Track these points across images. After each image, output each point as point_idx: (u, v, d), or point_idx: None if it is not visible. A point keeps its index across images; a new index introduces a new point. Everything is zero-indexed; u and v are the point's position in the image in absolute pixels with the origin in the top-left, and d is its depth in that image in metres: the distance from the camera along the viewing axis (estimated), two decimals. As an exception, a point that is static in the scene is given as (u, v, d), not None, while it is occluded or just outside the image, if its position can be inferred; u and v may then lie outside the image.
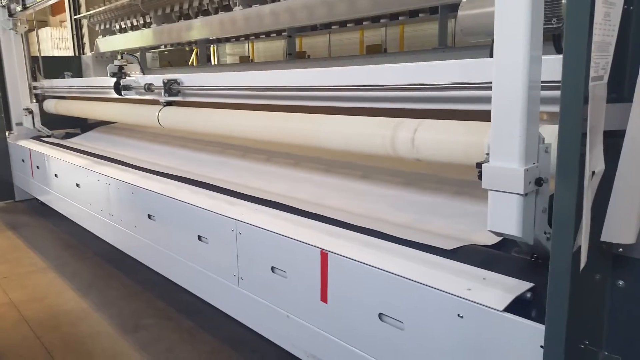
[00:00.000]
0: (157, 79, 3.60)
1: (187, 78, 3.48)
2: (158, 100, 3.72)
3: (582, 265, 1.18)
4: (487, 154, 1.50)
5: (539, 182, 1.45)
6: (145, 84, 3.68)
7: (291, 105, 2.82)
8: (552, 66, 1.41)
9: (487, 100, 1.50)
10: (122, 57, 4.09)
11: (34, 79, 5.82)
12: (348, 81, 2.38)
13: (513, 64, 1.38)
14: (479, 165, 1.52)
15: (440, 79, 1.97)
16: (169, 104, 3.69)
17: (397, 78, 2.14)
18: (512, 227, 1.46)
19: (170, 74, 5.40)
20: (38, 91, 5.74)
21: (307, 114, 2.70)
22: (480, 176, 1.51)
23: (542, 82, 1.43)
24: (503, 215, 1.47)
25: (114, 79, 3.91)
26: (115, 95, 4.01)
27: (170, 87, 3.44)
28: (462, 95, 1.93)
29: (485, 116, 1.54)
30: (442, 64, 1.99)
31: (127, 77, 3.93)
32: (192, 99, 3.53)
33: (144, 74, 4.06)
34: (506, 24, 1.37)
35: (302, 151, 3.33)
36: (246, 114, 3.07)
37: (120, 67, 3.93)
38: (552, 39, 1.60)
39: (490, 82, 1.46)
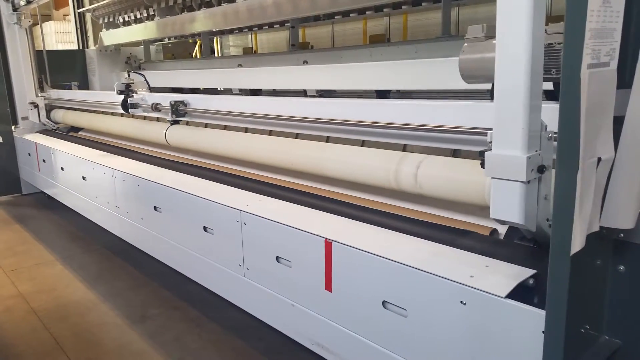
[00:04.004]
0: (164, 99, 3.67)
1: (195, 100, 3.55)
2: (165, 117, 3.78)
3: (575, 250, 1.19)
4: (490, 142, 1.51)
5: (541, 169, 1.45)
6: (152, 103, 3.75)
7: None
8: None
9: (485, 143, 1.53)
10: (129, 75, 4.13)
11: (41, 89, 5.85)
12: (350, 116, 2.46)
13: (516, 52, 1.37)
14: (481, 153, 1.52)
15: (438, 122, 2.06)
16: (176, 122, 3.73)
17: (397, 117, 2.24)
18: (514, 214, 1.47)
19: (176, 68, 5.41)
20: (45, 101, 5.78)
21: (312, 142, 2.76)
22: (482, 164, 1.52)
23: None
24: (506, 203, 1.48)
25: (122, 96, 3.96)
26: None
27: (177, 109, 3.53)
28: (461, 138, 1.99)
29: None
30: (441, 105, 2.08)
31: (135, 95, 3.97)
32: (198, 120, 3.62)
33: (150, 90, 4.12)
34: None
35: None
36: (252, 137, 3.11)
37: (128, 85, 3.97)
38: (553, 87, 1.63)
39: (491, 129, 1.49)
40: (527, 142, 1.41)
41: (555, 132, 1.43)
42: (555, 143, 1.45)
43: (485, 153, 1.50)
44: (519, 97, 1.39)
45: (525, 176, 1.41)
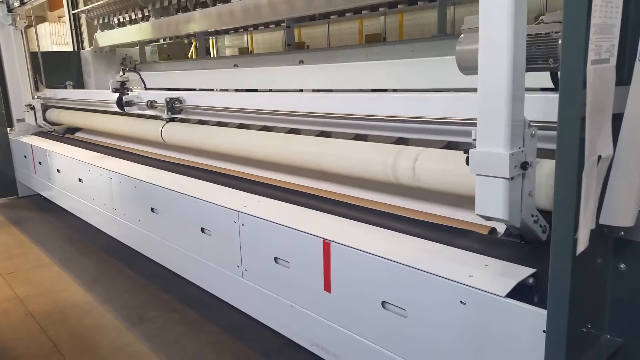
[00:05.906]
0: (160, 96, 3.65)
1: (190, 97, 3.54)
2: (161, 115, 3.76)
3: (580, 249, 1.18)
4: (474, 140, 1.51)
5: (524, 166, 1.46)
6: (147, 101, 3.74)
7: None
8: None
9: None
10: (124, 73, 4.12)
11: (36, 88, 5.83)
12: (344, 109, 2.46)
13: (498, 45, 1.37)
14: (466, 151, 1.53)
15: (432, 114, 2.06)
16: (172, 119, 3.72)
17: (391, 110, 2.25)
18: (498, 210, 1.47)
19: (172, 69, 5.39)
20: (41, 101, 5.75)
21: (308, 137, 2.74)
22: (467, 161, 1.52)
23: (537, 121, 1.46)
24: (490, 199, 1.48)
25: (117, 94, 3.94)
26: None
27: (173, 106, 3.53)
28: (456, 129, 2.00)
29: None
30: (434, 97, 2.09)
31: (130, 93, 3.96)
32: (194, 117, 3.60)
33: (145, 88, 4.10)
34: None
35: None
36: (249, 133, 3.10)
37: (123, 83, 3.96)
38: (550, 77, 1.62)
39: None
40: (510, 139, 1.42)
41: (538, 128, 1.47)
42: (536, 140, 1.47)
43: (470, 150, 1.51)
44: (501, 94, 1.39)
45: (508, 172, 1.42)
